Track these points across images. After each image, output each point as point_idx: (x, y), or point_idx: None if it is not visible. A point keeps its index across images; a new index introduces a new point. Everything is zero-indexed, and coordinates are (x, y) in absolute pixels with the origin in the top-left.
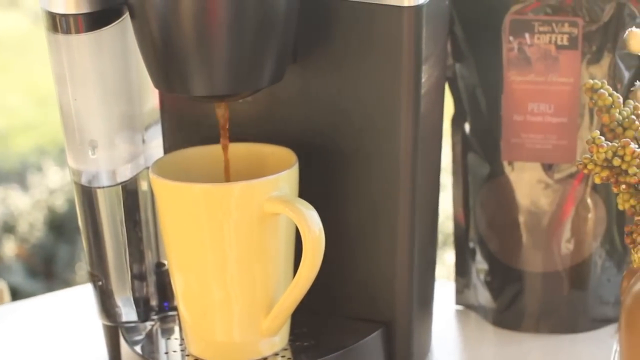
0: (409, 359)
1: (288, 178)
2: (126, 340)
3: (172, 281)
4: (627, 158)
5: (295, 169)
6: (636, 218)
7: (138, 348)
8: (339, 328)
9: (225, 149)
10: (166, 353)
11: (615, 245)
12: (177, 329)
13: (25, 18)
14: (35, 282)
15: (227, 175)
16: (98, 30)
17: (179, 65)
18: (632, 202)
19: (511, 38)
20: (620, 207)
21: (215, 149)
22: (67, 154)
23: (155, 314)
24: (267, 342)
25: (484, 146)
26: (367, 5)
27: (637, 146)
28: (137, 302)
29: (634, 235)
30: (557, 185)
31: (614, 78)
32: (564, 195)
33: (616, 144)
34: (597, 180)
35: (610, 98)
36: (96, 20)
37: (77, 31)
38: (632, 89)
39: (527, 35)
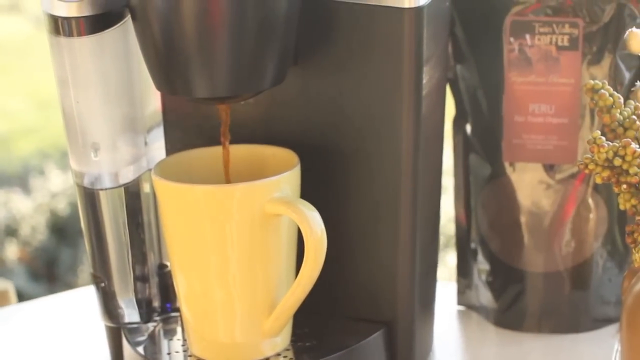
0: (411, 359)
1: (290, 179)
2: (129, 342)
3: (174, 282)
4: (628, 158)
5: (297, 170)
6: (637, 218)
7: (140, 349)
8: (341, 328)
9: (226, 150)
10: (168, 354)
11: (616, 245)
12: (179, 329)
13: (27, 22)
14: (37, 285)
15: (229, 176)
16: (100, 33)
17: (180, 67)
18: (633, 201)
19: (512, 39)
20: (622, 207)
21: (217, 151)
22: (70, 156)
23: (158, 315)
24: (269, 342)
25: (485, 147)
26: (367, 7)
27: (638, 146)
28: (139, 303)
29: (635, 235)
30: (559, 186)
31: (614, 79)
32: (565, 195)
33: (617, 144)
34: (598, 180)
35: (611, 98)
36: (98, 22)
37: (79, 34)
38: (632, 89)
39: (527, 36)
